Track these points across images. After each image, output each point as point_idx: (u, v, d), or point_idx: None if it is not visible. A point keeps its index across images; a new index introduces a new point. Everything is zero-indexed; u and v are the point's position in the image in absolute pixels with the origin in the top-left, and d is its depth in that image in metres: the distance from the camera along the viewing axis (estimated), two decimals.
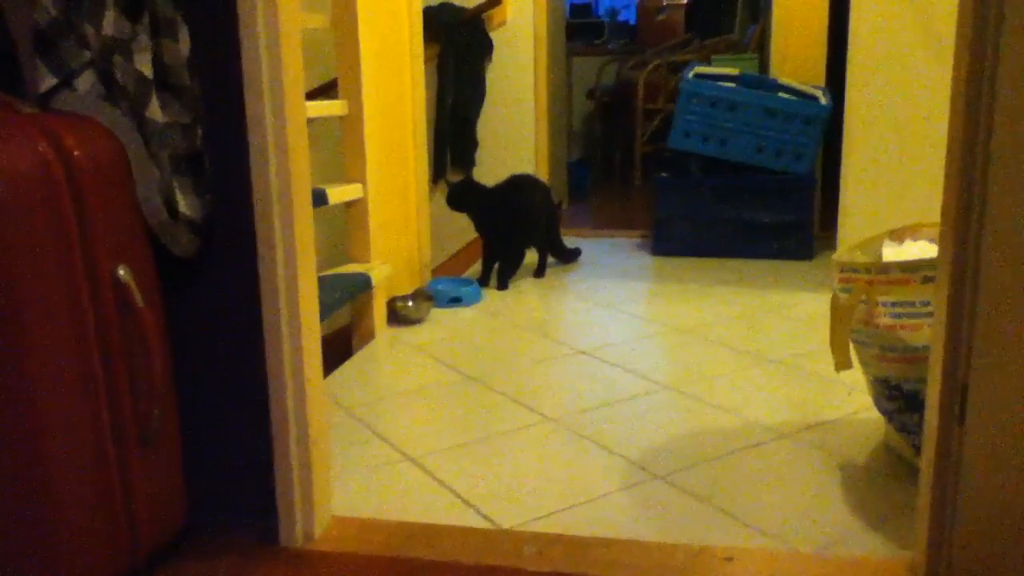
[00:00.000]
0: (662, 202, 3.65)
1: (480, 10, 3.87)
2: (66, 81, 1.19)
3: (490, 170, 4.09)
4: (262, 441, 1.40)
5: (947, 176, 1.15)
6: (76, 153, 1.12)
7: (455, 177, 3.76)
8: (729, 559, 1.37)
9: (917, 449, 1.55)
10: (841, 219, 2.88)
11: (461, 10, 3.87)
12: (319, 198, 2.28)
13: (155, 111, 1.23)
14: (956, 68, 1.12)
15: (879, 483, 1.62)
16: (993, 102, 1.06)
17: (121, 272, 1.19)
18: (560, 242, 3.51)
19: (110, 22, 1.19)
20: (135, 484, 1.22)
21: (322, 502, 1.48)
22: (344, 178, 2.53)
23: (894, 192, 2.77)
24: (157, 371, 1.25)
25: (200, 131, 1.30)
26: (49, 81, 1.19)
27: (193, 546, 1.42)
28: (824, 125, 3.45)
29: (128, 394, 1.20)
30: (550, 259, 3.46)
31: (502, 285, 3.15)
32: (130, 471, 1.21)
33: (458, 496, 1.62)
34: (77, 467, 1.15)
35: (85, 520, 1.17)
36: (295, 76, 1.35)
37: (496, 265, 3.19)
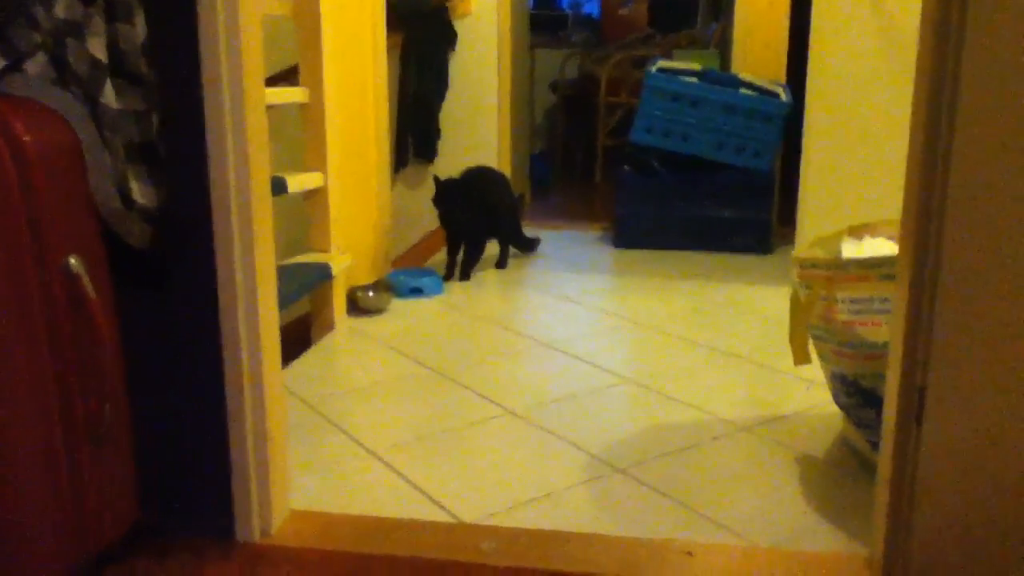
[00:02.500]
0: (623, 196, 3.66)
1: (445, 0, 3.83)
2: (15, 64, 1.15)
3: (452, 160, 4.06)
4: (218, 435, 1.38)
5: (908, 174, 1.16)
6: (25, 138, 1.09)
7: (420, 168, 3.76)
8: (690, 554, 1.38)
9: (874, 445, 1.58)
10: (800, 215, 2.90)
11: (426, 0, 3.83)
12: (278, 186, 2.24)
13: (109, 97, 1.19)
14: (919, 65, 1.13)
15: (837, 478, 1.64)
16: (955, 100, 1.07)
17: (72, 262, 1.16)
18: (521, 233, 3.52)
19: (62, 4, 1.15)
20: (85, 480, 1.19)
21: (279, 496, 1.46)
22: (304, 167, 2.50)
23: (853, 189, 2.80)
24: (109, 365, 1.21)
25: (156, 119, 1.26)
26: None
27: (147, 543, 1.39)
28: (784, 122, 3.48)
29: (78, 389, 1.17)
30: (511, 249, 3.46)
31: (464, 276, 3.14)
32: (80, 467, 1.18)
33: (418, 490, 1.60)
34: (25, 464, 1.11)
35: (34, 516, 1.14)
36: (255, 63, 1.32)
37: (459, 257, 3.18)
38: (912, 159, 1.15)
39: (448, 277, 3.14)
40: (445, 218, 3.14)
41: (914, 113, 1.15)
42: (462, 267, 3.17)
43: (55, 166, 1.14)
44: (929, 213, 1.12)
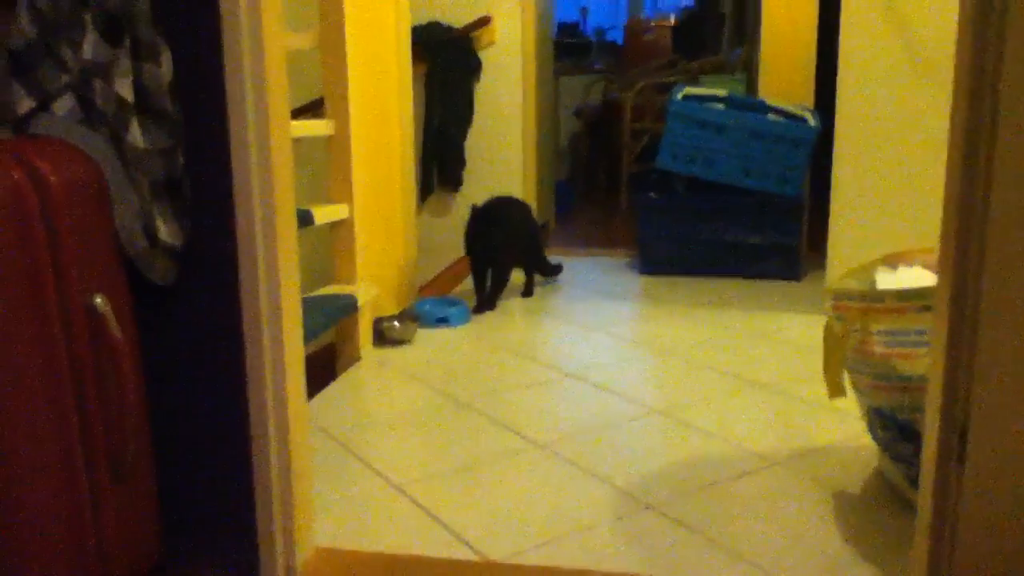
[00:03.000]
0: (648, 222, 3.64)
1: (469, 29, 3.86)
2: (44, 105, 1.16)
3: (478, 189, 4.06)
4: (242, 473, 1.36)
5: (946, 200, 1.13)
6: (51, 179, 1.09)
7: (446, 196, 3.77)
8: None
9: (911, 479, 1.53)
10: (831, 241, 2.87)
11: (449, 29, 3.86)
12: (304, 219, 2.25)
13: (135, 136, 1.19)
14: (956, 85, 1.10)
15: (873, 513, 1.60)
16: (995, 121, 1.04)
17: (98, 301, 1.15)
18: (545, 260, 3.51)
19: (90, 45, 1.16)
20: (107, 521, 1.18)
21: (304, 533, 1.44)
22: (329, 198, 2.50)
23: (884, 215, 2.76)
24: (132, 404, 1.21)
25: (181, 156, 1.26)
26: (26, 104, 1.15)
27: None
28: (812, 147, 3.45)
29: (101, 428, 1.16)
30: (537, 277, 3.45)
31: (490, 305, 3.13)
32: (102, 508, 1.17)
33: (444, 526, 1.58)
34: (47, 504, 1.11)
35: (54, 558, 1.13)
36: (280, 98, 1.32)
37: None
38: (950, 183, 1.12)
39: (480, 308, 3.12)
40: (472, 246, 3.13)
41: (951, 135, 1.12)
42: (488, 297, 3.15)
43: (81, 205, 1.14)
44: (969, 241, 1.08)
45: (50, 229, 1.08)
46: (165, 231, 1.23)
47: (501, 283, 3.19)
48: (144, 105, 1.21)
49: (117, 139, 1.19)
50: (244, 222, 1.30)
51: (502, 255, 3.19)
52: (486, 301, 3.14)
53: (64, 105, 1.16)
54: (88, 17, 1.16)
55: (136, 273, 1.25)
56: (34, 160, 1.08)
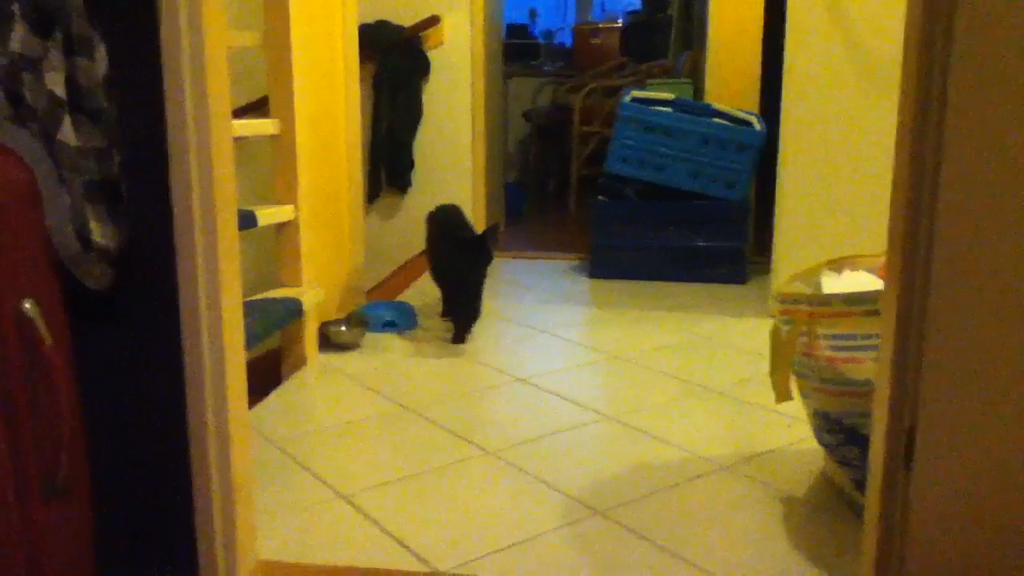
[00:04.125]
0: (598, 226, 3.64)
1: (417, 29, 3.82)
2: None
3: (427, 191, 4.03)
4: (181, 484, 1.32)
5: (893, 205, 1.14)
6: None
7: (393, 199, 3.69)
8: None
9: (857, 483, 1.55)
10: (776, 245, 2.90)
11: (398, 29, 3.82)
12: (248, 220, 2.19)
13: (68, 134, 1.14)
14: (903, 89, 1.11)
15: (821, 518, 1.61)
16: (942, 126, 1.05)
17: (27, 306, 1.10)
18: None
19: (17, 38, 1.10)
20: (39, 542, 1.12)
21: (246, 546, 1.40)
22: (275, 199, 2.45)
23: (828, 219, 2.80)
24: (65, 415, 1.15)
25: (117, 156, 1.21)
26: None
27: None
28: (758, 152, 3.48)
29: (32, 443, 1.10)
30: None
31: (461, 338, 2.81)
32: (33, 526, 1.11)
33: (392, 537, 1.55)
34: None
35: None
36: (221, 95, 1.28)
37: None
38: (897, 188, 1.12)
39: (462, 338, 2.76)
40: (470, 272, 2.74)
41: (899, 140, 1.12)
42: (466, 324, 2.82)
43: (9, 206, 1.08)
44: (916, 244, 1.09)
45: None
46: (100, 234, 1.18)
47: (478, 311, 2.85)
48: (77, 102, 1.16)
49: (48, 137, 1.14)
50: (182, 225, 1.26)
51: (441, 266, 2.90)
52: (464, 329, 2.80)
53: None
54: (15, 8, 1.11)
55: (70, 278, 1.20)
56: None
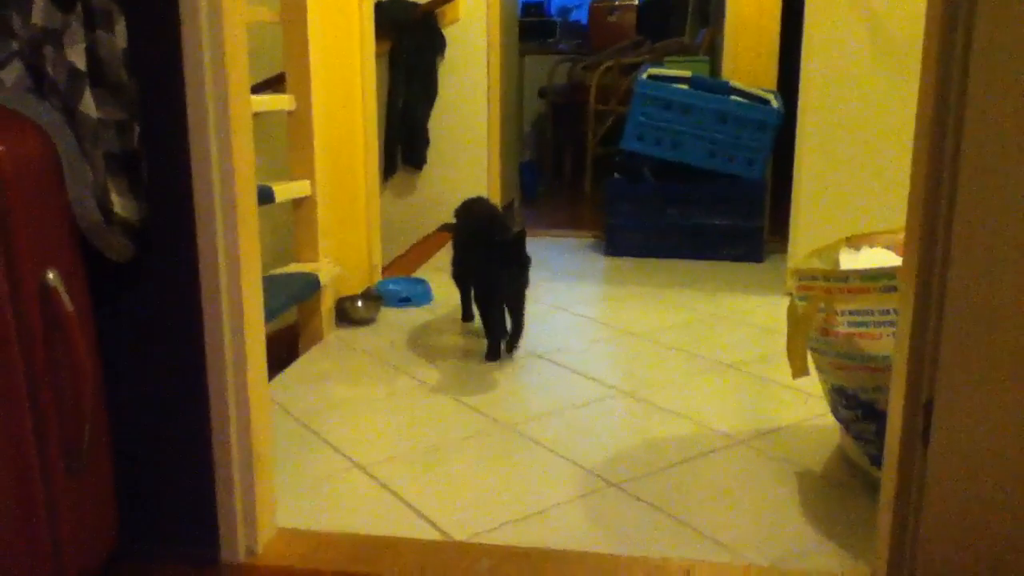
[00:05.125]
0: (614, 204, 3.63)
1: (433, 6, 3.81)
2: None
3: (442, 169, 4.03)
4: (202, 453, 1.33)
5: (913, 180, 1.13)
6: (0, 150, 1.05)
7: (409, 176, 3.68)
8: (687, 572, 1.34)
9: (872, 459, 1.55)
10: (793, 224, 2.89)
11: (414, 6, 3.81)
12: (265, 195, 2.20)
13: (88, 106, 1.15)
14: (924, 66, 1.10)
15: (836, 493, 1.61)
16: (963, 101, 1.04)
17: (50, 276, 1.11)
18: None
19: (39, 11, 1.11)
20: (60, 507, 1.14)
21: (266, 514, 1.42)
22: (291, 175, 2.46)
23: (846, 197, 2.78)
24: (87, 386, 1.17)
25: (137, 128, 1.22)
26: None
27: (128, 570, 1.34)
28: (776, 130, 3.46)
29: (54, 412, 1.12)
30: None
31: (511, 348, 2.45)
32: (55, 495, 1.13)
33: (409, 506, 1.56)
34: None
35: (6, 547, 1.09)
36: (240, 70, 1.28)
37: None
38: (917, 164, 1.12)
39: (496, 355, 2.36)
40: (502, 284, 2.34)
41: (919, 116, 1.12)
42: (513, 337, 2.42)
43: (31, 178, 1.10)
44: (935, 220, 1.09)
45: None
46: (120, 206, 1.19)
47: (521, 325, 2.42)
48: (98, 75, 1.17)
49: (69, 110, 1.15)
50: (203, 198, 1.27)
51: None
52: (510, 343, 2.42)
53: (12, 74, 1.12)
54: None
55: (91, 252, 1.21)
56: None
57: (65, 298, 1.12)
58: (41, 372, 1.11)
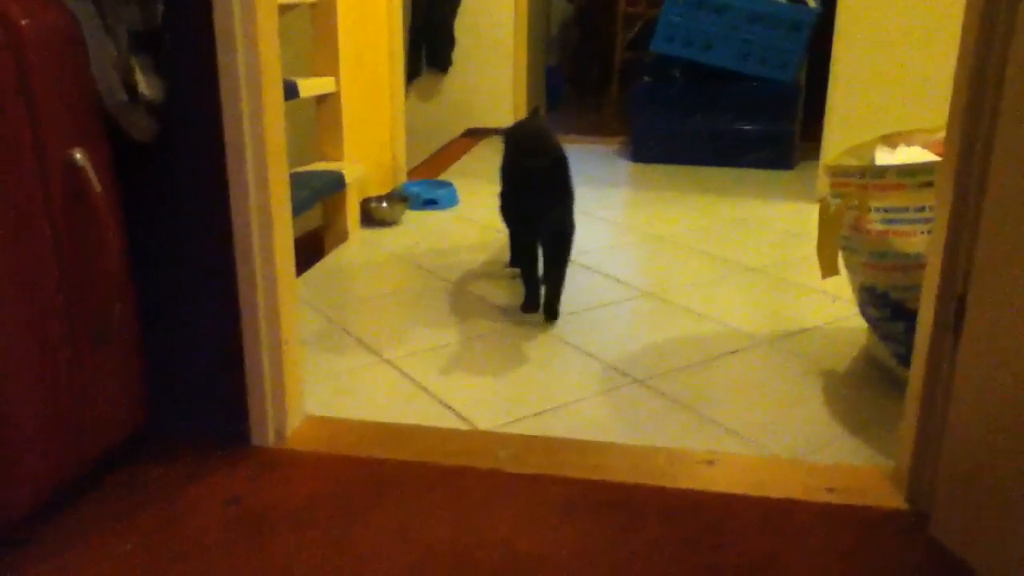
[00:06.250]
0: (641, 109, 3.56)
1: None
2: None
3: (467, 72, 3.96)
4: (232, 338, 1.35)
5: (957, 73, 1.09)
6: (22, 22, 1.03)
7: (434, 78, 3.58)
8: (710, 463, 1.36)
9: (900, 358, 1.54)
10: (827, 127, 2.82)
11: None
12: (290, 91, 2.17)
13: None
14: None
15: (860, 391, 1.61)
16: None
17: (78, 155, 1.11)
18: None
19: None
20: (86, 380, 1.16)
21: (294, 401, 1.44)
22: (315, 71, 2.42)
23: (882, 99, 2.70)
24: (114, 263, 1.18)
25: (161, 6, 1.20)
26: None
27: (154, 447, 1.37)
28: (811, 31, 3.35)
29: (81, 286, 1.13)
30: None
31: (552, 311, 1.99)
32: (82, 369, 1.15)
33: (434, 397, 1.58)
34: (22, 365, 1.08)
35: (30, 419, 1.11)
36: None
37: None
38: (962, 60, 1.07)
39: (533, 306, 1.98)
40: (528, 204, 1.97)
41: (968, 9, 1.07)
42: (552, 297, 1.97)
43: (54, 53, 1.08)
44: (979, 114, 1.05)
45: (22, 76, 1.03)
46: (144, 84, 1.18)
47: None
48: None
49: None
50: (228, 80, 1.24)
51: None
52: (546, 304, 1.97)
53: None
54: None
55: (115, 131, 1.20)
56: (3, 2, 1.02)
57: (92, 177, 1.12)
58: (67, 247, 1.11)
